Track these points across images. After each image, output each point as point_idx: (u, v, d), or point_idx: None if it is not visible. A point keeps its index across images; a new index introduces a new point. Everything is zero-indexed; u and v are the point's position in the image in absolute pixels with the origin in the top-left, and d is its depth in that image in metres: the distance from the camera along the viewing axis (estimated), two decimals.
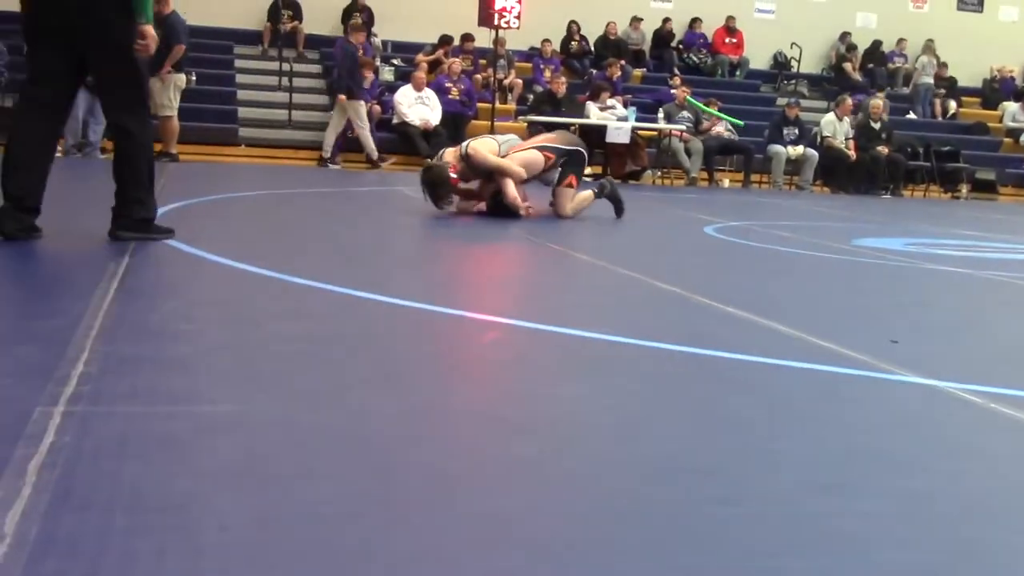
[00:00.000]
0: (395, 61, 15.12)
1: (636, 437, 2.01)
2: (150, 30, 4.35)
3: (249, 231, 5.52)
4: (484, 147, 6.57)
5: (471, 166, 6.48)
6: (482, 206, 6.75)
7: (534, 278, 4.51)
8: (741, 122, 13.90)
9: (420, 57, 14.56)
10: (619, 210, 7.05)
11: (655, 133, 13.41)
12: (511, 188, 6.55)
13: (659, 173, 13.30)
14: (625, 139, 12.53)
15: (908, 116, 16.88)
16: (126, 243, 4.27)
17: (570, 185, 6.82)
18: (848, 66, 17.54)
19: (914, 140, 15.12)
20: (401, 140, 12.89)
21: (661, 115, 13.46)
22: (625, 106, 13.35)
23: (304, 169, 12.14)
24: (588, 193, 7.03)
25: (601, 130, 12.47)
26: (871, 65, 17.90)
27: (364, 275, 4.08)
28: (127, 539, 1.37)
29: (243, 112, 13.68)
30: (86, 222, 4.96)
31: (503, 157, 6.59)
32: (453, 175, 6.38)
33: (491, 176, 6.59)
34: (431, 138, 12.51)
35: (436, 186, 6.37)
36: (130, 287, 3.32)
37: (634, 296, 3.92)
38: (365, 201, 6.95)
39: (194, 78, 13.33)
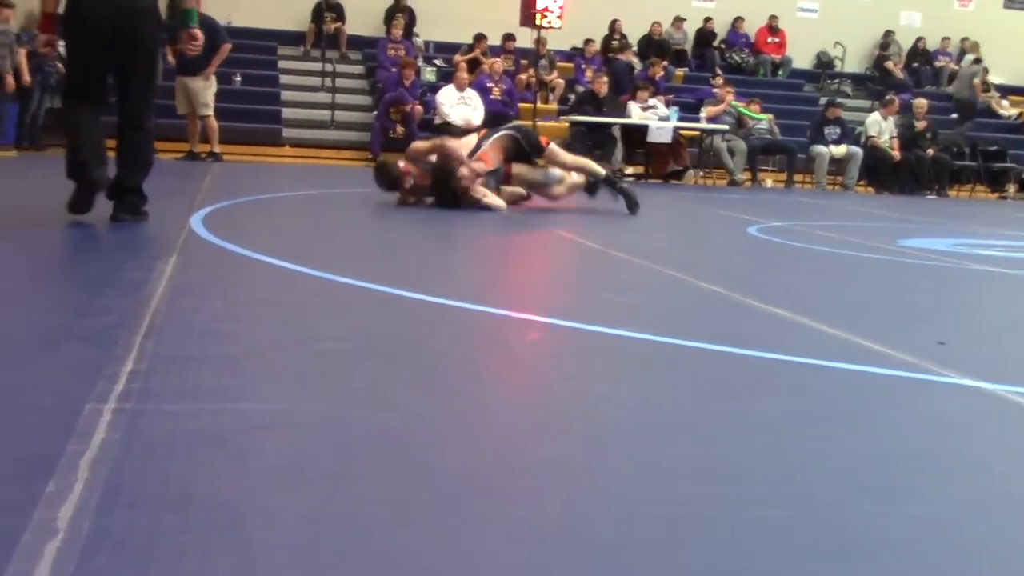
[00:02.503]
0: (437, 61, 15.15)
1: (677, 438, 2.00)
2: (198, 32, 5.00)
3: (293, 230, 5.56)
4: (421, 142, 7.26)
5: (411, 158, 6.87)
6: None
7: (574, 277, 4.50)
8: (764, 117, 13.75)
9: (458, 57, 14.58)
10: (593, 188, 7.22)
11: (697, 133, 13.34)
12: (451, 144, 6.85)
13: (701, 173, 13.23)
14: (667, 139, 12.47)
15: (954, 115, 16.65)
16: (174, 243, 4.33)
17: (548, 143, 7.04)
18: (891, 65, 17.35)
19: (960, 139, 14.92)
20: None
21: (703, 113, 13.38)
22: (667, 106, 13.28)
23: (347, 169, 12.21)
24: (597, 168, 7.31)
25: (643, 130, 12.43)
26: (915, 64, 17.69)
27: (406, 274, 4.09)
28: (176, 535, 1.38)
29: (287, 113, 13.79)
30: (129, 224, 5.02)
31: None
32: (402, 164, 6.86)
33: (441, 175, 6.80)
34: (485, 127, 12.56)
35: (382, 170, 6.92)
36: (178, 286, 3.36)
37: (676, 296, 3.90)
38: (416, 200, 6.99)
39: (239, 79, 13.47)
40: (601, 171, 7.19)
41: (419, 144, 7.13)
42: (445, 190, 6.72)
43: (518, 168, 7.14)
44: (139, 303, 2.98)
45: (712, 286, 4.02)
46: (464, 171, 6.69)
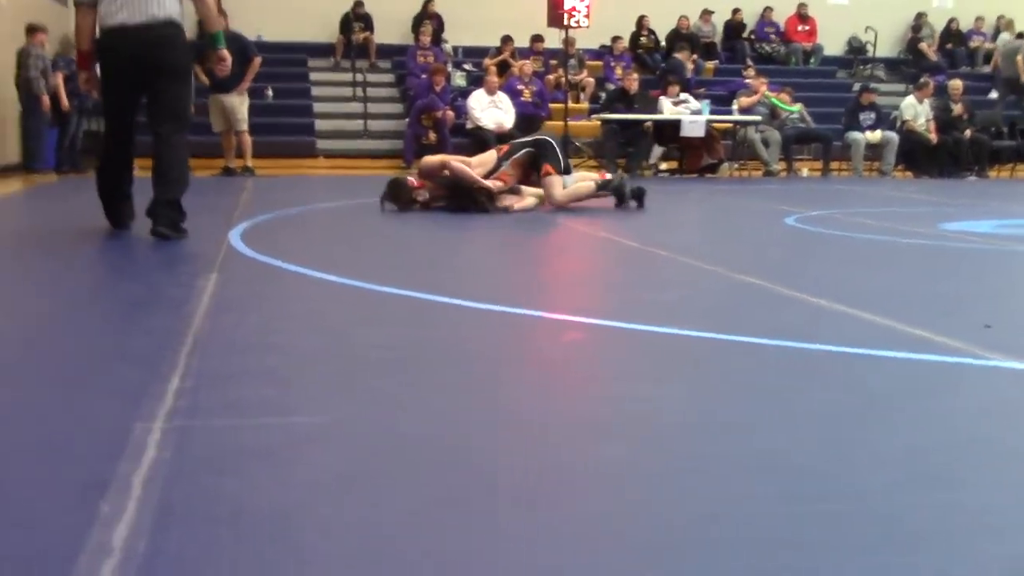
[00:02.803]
0: (466, 66, 15.18)
1: (726, 435, 1.98)
2: (226, 54, 5.32)
3: (329, 242, 5.59)
4: (430, 157, 7.29)
5: (424, 175, 6.91)
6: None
7: (611, 275, 4.48)
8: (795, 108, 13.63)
9: (487, 61, 14.59)
10: (622, 199, 7.10)
11: (730, 125, 13.25)
12: (458, 166, 6.84)
13: (736, 165, 13.14)
14: (700, 133, 12.40)
15: (991, 95, 16.41)
16: (214, 260, 4.36)
17: (548, 173, 6.99)
18: (925, 47, 17.15)
19: (998, 119, 14.70)
20: (475, 144, 12.90)
21: (735, 106, 13.29)
22: (698, 99, 13.20)
23: (382, 178, 12.23)
24: (588, 184, 7.22)
25: (675, 125, 12.37)
26: (949, 45, 17.47)
27: (442, 280, 4.10)
28: (232, 551, 1.39)
29: (319, 124, 13.88)
30: (169, 242, 5.08)
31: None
32: (412, 180, 6.90)
33: (452, 187, 6.86)
34: (505, 139, 12.53)
35: (395, 189, 6.88)
36: (219, 302, 3.39)
37: (716, 290, 3.87)
38: (438, 206, 7.01)
39: (271, 93, 13.57)
40: (591, 185, 7.19)
41: (429, 159, 7.14)
42: (467, 202, 6.76)
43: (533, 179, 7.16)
44: (182, 320, 3.00)
45: (753, 279, 3.99)
46: (485, 185, 6.74)
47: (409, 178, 7.01)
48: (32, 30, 11.06)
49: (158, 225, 5.08)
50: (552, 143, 7.22)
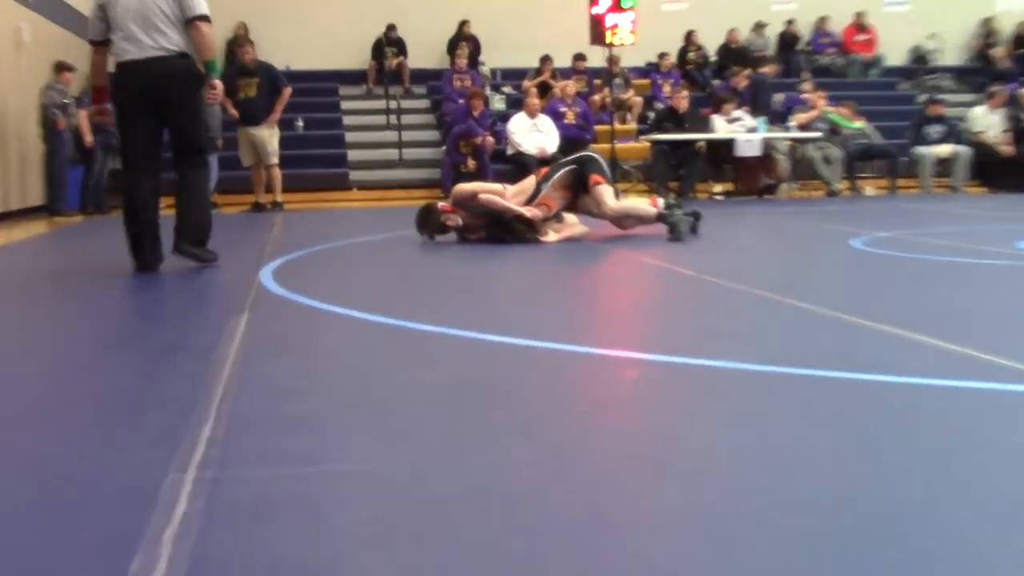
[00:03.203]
0: (505, 89, 15.26)
1: (793, 474, 1.96)
2: (217, 83, 5.62)
3: (365, 278, 5.62)
4: (463, 184, 7.29)
5: (457, 203, 6.96)
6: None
7: (666, 306, 4.46)
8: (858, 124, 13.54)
9: (527, 83, 14.67)
10: (678, 237, 6.87)
11: (789, 143, 13.19)
12: (487, 197, 6.86)
13: (796, 185, 13.07)
14: (756, 152, 12.36)
15: None
16: (244, 300, 4.40)
17: (598, 183, 6.96)
18: (994, 53, 16.98)
19: None
20: (517, 171, 12.92)
21: (793, 121, 13.23)
22: (754, 116, 13.16)
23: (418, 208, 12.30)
24: (648, 208, 7.16)
25: (730, 144, 12.34)
26: (1020, 50, 17.29)
27: (485, 316, 4.10)
28: None
29: (352, 155, 14.01)
30: (198, 282, 5.13)
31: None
32: (444, 206, 6.99)
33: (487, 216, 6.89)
34: (548, 165, 12.56)
35: (424, 215, 7.00)
36: (251, 344, 3.41)
37: (779, 320, 3.84)
38: (477, 237, 7.03)
39: (301, 124, 13.74)
40: (652, 209, 7.10)
41: (462, 188, 7.17)
42: (503, 232, 6.79)
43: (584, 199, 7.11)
44: (213, 365, 3.03)
45: (818, 307, 3.96)
46: (519, 212, 6.75)
47: (441, 204, 7.07)
48: (60, 68, 11.30)
49: (182, 244, 5.57)
50: (597, 157, 7.24)
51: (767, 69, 14.95)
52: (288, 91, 11.44)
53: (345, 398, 2.68)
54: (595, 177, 6.98)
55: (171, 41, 5.49)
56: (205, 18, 5.57)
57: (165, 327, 4.03)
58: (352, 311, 4.04)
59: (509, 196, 6.94)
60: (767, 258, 6.31)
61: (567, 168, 7.08)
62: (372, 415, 2.48)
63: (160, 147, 5.66)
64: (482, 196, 6.88)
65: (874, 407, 2.49)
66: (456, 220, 6.92)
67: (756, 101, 13.79)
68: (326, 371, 3.04)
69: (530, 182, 7.10)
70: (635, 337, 3.68)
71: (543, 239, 6.83)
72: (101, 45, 5.66)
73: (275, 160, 11.46)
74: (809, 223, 8.95)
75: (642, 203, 7.40)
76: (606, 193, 7.00)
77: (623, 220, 7.15)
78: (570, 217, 7.14)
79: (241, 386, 2.78)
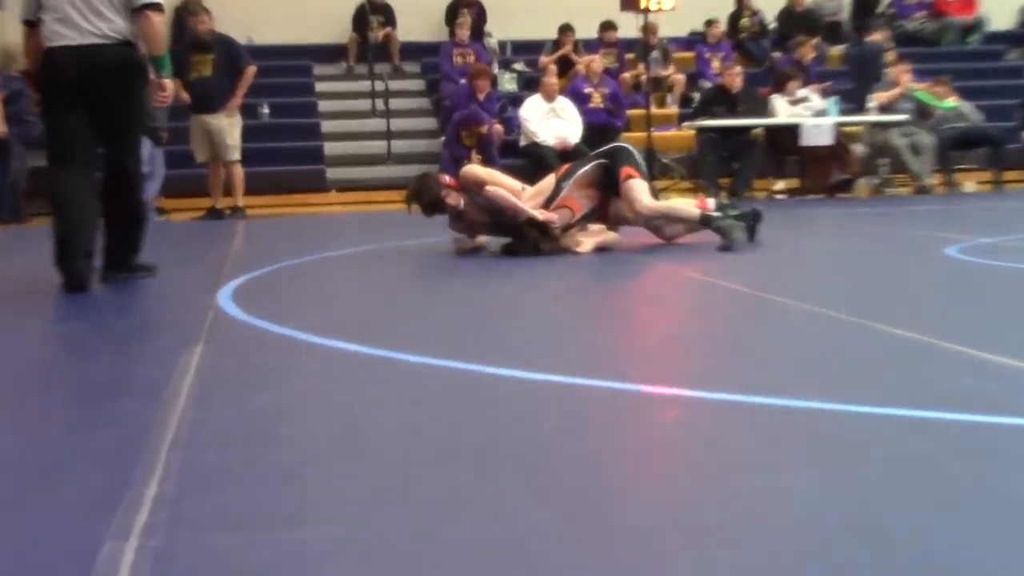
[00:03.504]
0: (517, 66, 15.28)
1: (886, 541, 1.94)
2: (167, 83, 5.87)
3: (347, 299, 5.62)
4: (476, 167, 7.38)
5: (464, 186, 6.92)
6: (482, 240, 7.16)
7: (718, 332, 4.45)
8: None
9: (544, 58, 14.68)
10: (729, 245, 6.84)
11: (867, 128, 13.17)
12: (495, 191, 6.83)
13: (877, 181, 13.05)
14: (826, 140, 12.35)
15: None
16: (199, 328, 4.41)
17: (630, 176, 6.93)
18: None
19: None
20: (532, 166, 12.92)
21: (872, 102, 13.22)
22: (823, 96, 13.17)
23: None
24: (691, 209, 7.08)
25: (794, 131, 12.34)
26: None
27: (493, 345, 4.10)
28: None
29: (330, 148, 14.02)
30: (142, 305, 5.13)
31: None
32: (445, 178, 7.01)
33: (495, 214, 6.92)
34: (570, 159, 12.50)
35: (419, 187, 7.00)
36: (208, 381, 3.41)
37: (859, 348, 3.83)
38: (488, 249, 7.03)
39: (266, 110, 13.77)
40: (695, 211, 7.01)
41: (473, 170, 7.18)
42: (513, 238, 6.79)
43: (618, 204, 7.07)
44: (160, 407, 3.02)
45: (907, 332, 3.94)
46: (531, 215, 6.75)
47: (445, 177, 7.07)
48: None
49: (111, 269, 5.70)
50: (630, 148, 7.23)
51: (878, 36, 14.81)
52: (252, 70, 11.47)
53: (324, 447, 2.67)
54: (627, 169, 6.94)
55: (114, 28, 5.62)
56: (157, 7, 5.70)
57: (100, 362, 4.03)
58: (331, 340, 4.04)
59: (526, 199, 6.93)
60: (843, 271, 6.29)
61: (594, 163, 7.07)
62: (357, 466, 2.48)
63: (96, 142, 5.75)
64: (490, 188, 6.87)
65: (984, 456, 2.46)
66: (458, 200, 6.88)
67: (862, 76, 13.66)
68: (299, 413, 3.04)
69: (549, 181, 7.08)
70: (678, 369, 3.67)
71: (577, 248, 6.80)
72: (37, 26, 5.77)
73: (236, 156, 11.47)
74: (894, 227, 8.93)
75: (685, 203, 7.38)
76: (639, 189, 6.95)
77: (663, 226, 7.13)
78: (595, 227, 7.11)
79: (195, 433, 2.77)
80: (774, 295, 5.04)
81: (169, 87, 5.87)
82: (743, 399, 3.01)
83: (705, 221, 6.89)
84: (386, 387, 3.36)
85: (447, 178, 7.03)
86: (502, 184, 6.95)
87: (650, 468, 2.50)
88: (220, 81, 11.30)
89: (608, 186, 6.99)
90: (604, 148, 7.37)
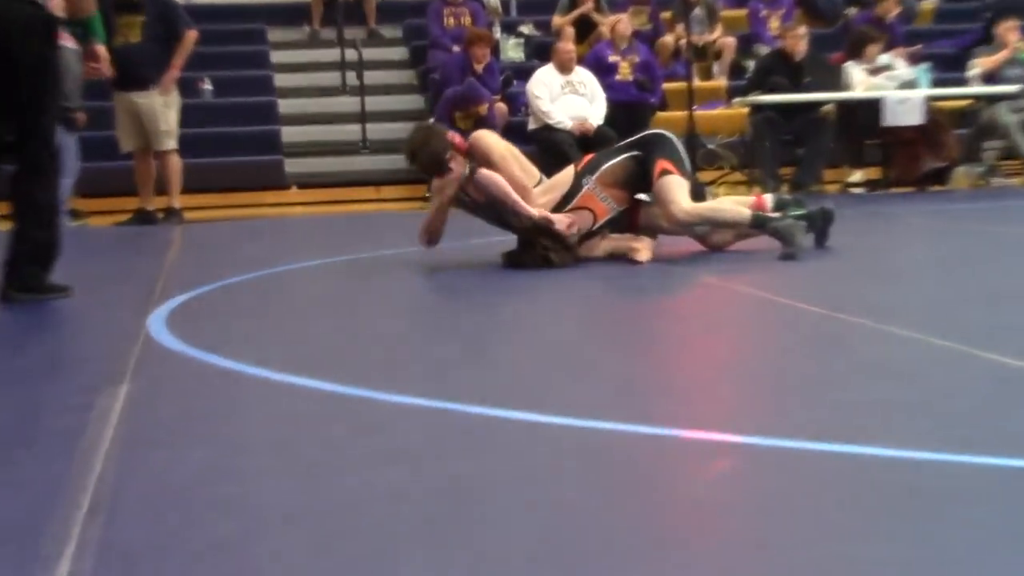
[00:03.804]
0: (524, 29, 15.30)
1: None
2: (100, 50, 6.06)
3: (308, 324, 5.62)
4: (494, 137, 7.27)
5: (474, 154, 6.95)
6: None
7: (779, 361, 4.44)
8: None
9: (558, 19, 14.68)
10: (792, 250, 6.80)
11: (967, 103, 13.16)
12: (505, 190, 6.82)
13: (980, 169, 13.04)
14: (915, 119, 12.34)
15: None
16: (124, 363, 4.40)
17: (666, 171, 6.83)
18: None
19: None
20: (544, 153, 12.91)
21: (973, 70, 13.20)
22: (911, 64, 13.17)
23: (391, 215, 12.32)
24: (740, 209, 7.02)
25: (873, 108, 12.32)
26: None
27: (493, 381, 4.10)
28: None
29: (290, 134, 14.03)
30: (53, 332, 5.12)
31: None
32: (454, 137, 7.05)
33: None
34: (594, 148, 12.49)
35: (421, 138, 7.10)
36: (134, 431, 3.40)
37: (960, 382, 3.82)
38: (484, 258, 7.00)
39: (209, 87, 13.78)
40: (745, 212, 6.94)
41: (486, 141, 7.10)
42: (527, 252, 6.78)
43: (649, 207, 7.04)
44: (74, 466, 3.01)
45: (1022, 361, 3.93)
46: (531, 214, 6.75)
47: (453, 133, 7.09)
48: None
49: (11, 288, 5.71)
50: (670, 137, 7.12)
51: (887, 4, 14.83)
52: (192, 35, 11.46)
53: (277, 515, 2.65)
54: (662, 163, 6.86)
55: None
56: None
57: None
58: (289, 376, 4.04)
59: (533, 198, 6.91)
60: (937, 285, 6.28)
61: (624, 155, 7.01)
62: (325, 537, 2.46)
63: None
64: (483, 172, 6.83)
65: None
66: (463, 165, 6.87)
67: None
68: (253, 469, 3.03)
69: (566, 175, 7.06)
70: (727, 410, 3.66)
71: (637, 258, 6.79)
72: None
73: (172, 144, 11.43)
74: (1001, 228, 8.92)
75: (732, 203, 7.29)
76: (676, 188, 6.84)
77: (709, 233, 7.10)
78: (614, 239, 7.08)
79: (119, 496, 2.76)
80: (850, 315, 5.03)
81: (103, 56, 5.95)
82: (812, 446, 3.00)
83: (758, 223, 6.83)
84: (357, 436, 3.35)
85: (457, 137, 7.03)
86: (510, 171, 6.88)
87: (697, 532, 2.48)
88: (151, 49, 11.24)
89: (640, 185, 6.96)
90: (637, 136, 7.30)
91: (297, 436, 3.38)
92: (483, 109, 12.70)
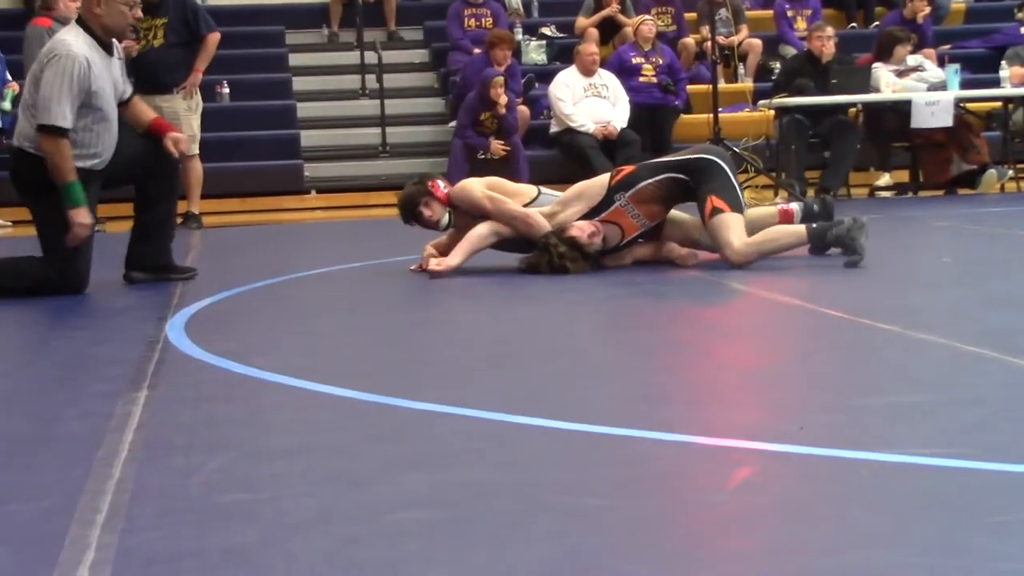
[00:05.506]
0: (546, 30, 15.28)
1: None
2: (81, 214, 6.11)
3: (330, 331, 5.61)
4: (474, 184, 7.20)
5: (456, 208, 7.04)
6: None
7: (813, 369, 4.43)
8: None
9: (582, 21, 14.66)
10: (822, 248, 6.72)
11: (998, 105, 13.10)
12: (511, 208, 6.88)
13: (1011, 173, 12.99)
14: (944, 121, 12.29)
15: None
16: (142, 370, 4.41)
17: (718, 210, 6.64)
18: None
19: None
20: (567, 158, 12.90)
21: (1005, 71, 13.14)
22: (941, 65, 13.12)
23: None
24: (795, 231, 6.84)
25: (902, 111, 12.29)
26: None
27: (518, 388, 4.11)
28: None
29: (308, 138, 13.99)
30: (68, 339, 5.13)
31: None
32: (437, 184, 7.09)
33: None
34: (617, 151, 12.47)
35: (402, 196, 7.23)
36: (152, 438, 3.41)
37: (987, 388, 3.81)
38: (502, 264, 6.99)
39: (226, 91, 13.77)
40: (800, 230, 6.67)
41: (471, 192, 7.04)
42: (542, 258, 6.76)
43: (676, 215, 6.96)
44: (92, 472, 3.02)
45: None
46: (535, 221, 6.76)
47: (439, 183, 7.11)
48: None
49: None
50: (722, 165, 6.83)
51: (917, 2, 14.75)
52: (215, 38, 11.39)
53: (303, 517, 2.66)
54: (713, 200, 6.65)
55: (20, 131, 6.36)
56: (51, 129, 6.14)
57: (15, 415, 4.03)
58: (308, 383, 4.05)
59: (566, 200, 6.90)
60: (967, 290, 6.26)
61: (667, 175, 6.84)
62: (344, 545, 2.47)
63: None
64: (499, 202, 6.87)
65: None
66: (438, 213, 6.98)
67: None
68: (272, 476, 3.03)
69: (599, 185, 6.98)
70: (755, 417, 3.66)
71: (681, 262, 6.80)
72: None
73: (194, 149, 11.37)
74: None
75: (770, 215, 7.11)
76: (729, 229, 6.64)
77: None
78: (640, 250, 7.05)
79: (138, 504, 2.77)
80: (875, 320, 5.02)
81: (81, 220, 6.14)
82: (844, 454, 3.01)
83: (817, 238, 6.70)
84: (376, 442, 3.36)
85: (440, 186, 7.02)
86: (506, 209, 6.92)
87: (717, 541, 2.49)
88: (174, 52, 11.18)
89: (676, 201, 6.95)
90: (686, 157, 7.05)
91: (316, 442, 3.39)
92: (501, 93, 12.54)
